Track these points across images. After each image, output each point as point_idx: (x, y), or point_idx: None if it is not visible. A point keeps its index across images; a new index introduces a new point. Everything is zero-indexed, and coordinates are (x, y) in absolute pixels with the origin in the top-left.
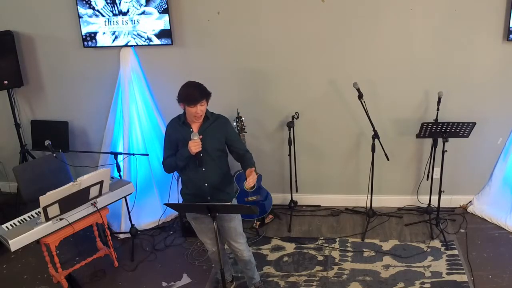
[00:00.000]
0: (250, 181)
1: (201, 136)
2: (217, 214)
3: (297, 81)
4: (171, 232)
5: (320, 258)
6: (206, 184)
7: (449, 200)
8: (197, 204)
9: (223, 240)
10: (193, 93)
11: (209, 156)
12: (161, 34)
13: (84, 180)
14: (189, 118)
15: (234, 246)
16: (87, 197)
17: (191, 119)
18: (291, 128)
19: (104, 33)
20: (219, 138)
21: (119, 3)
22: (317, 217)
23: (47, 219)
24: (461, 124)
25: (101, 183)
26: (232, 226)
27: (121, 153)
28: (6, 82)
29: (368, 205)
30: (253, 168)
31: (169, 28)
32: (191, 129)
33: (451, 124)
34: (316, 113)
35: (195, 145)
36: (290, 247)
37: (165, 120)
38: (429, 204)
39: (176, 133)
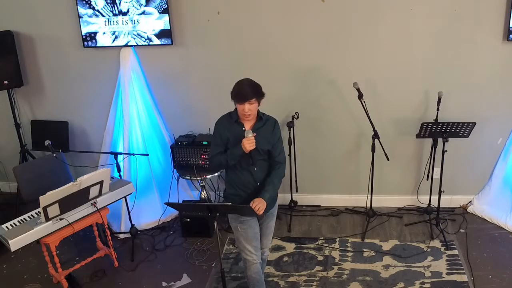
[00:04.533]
0: (256, 208)
1: (255, 134)
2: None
3: (297, 81)
4: (171, 232)
5: (320, 258)
6: (258, 183)
7: (449, 200)
8: (197, 204)
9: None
10: (244, 89)
11: (261, 156)
12: (161, 34)
13: (84, 180)
14: (240, 116)
15: (263, 243)
16: (87, 197)
17: (242, 117)
18: (291, 128)
19: (104, 33)
20: (269, 139)
21: (119, 3)
22: (317, 217)
23: (47, 219)
24: (461, 124)
25: (101, 183)
26: (270, 225)
27: (121, 153)
28: (6, 82)
29: (368, 205)
30: (263, 201)
31: (169, 28)
32: (244, 128)
33: (451, 124)
34: (316, 113)
35: (249, 143)
36: (290, 247)
37: (165, 120)
38: (429, 204)
39: (227, 131)
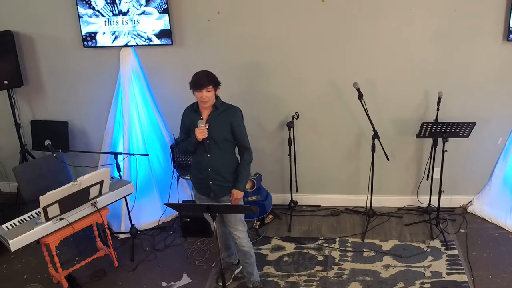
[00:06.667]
0: (234, 200)
1: (207, 124)
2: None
3: (297, 81)
4: (171, 232)
5: (320, 258)
6: (209, 170)
7: (449, 200)
8: (197, 204)
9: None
10: (200, 78)
11: (216, 144)
12: (161, 34)
13: (84, 180)
14: (199, 105)
15: (233, 233)
16: (87, 197)
17: (201, 106)
18: (291, 128)
19: (104, 33)
20: (226, 128)
21: (119, 3)
22: (317, 217)
23: (47, 219)
24: (461, 124)
25: (101, 183)
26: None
27: (121, 153)
28: (6, 82)
29: (368, 205)
30: (238, 193)
31: (169, 28)
32: (201, 117)
33: (451, 124)
34: (316, 113)
35: (200, 132)
36: (290, 247)
37: (165, 120)
38: (429, 204)
39: (188, 119)
